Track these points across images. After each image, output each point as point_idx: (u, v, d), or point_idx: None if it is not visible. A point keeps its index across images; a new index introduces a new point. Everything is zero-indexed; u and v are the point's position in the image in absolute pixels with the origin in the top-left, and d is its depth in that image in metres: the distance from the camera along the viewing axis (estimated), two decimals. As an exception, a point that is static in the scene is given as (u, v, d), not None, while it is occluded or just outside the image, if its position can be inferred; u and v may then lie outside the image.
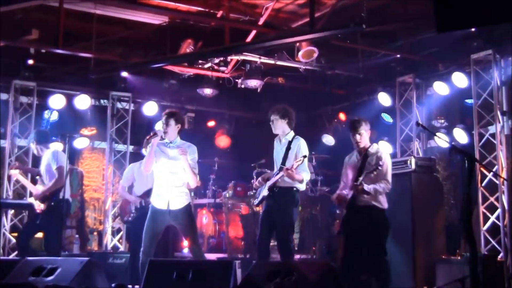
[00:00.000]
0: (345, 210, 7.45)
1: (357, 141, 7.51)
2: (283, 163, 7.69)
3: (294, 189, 7.72)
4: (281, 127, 7.83)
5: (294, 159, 7.64)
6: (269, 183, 7.77)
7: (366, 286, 8.32)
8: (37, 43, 10.33)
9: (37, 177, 8.93)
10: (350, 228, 7.45)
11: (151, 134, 7.51)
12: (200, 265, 6.31)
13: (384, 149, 7.57)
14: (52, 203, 8.51)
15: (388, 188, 7.31)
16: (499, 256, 8.87)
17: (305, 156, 7.55)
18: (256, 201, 8.23)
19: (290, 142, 7.78)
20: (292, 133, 7.87)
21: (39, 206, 8.51)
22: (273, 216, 7.69)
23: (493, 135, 9.52)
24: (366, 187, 7.08)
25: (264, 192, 7.84)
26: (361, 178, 7.09)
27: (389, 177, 7.34)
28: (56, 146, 10.54)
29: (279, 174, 7.64)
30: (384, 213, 7.40)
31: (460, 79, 10.07)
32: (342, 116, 12.85)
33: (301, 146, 7.75)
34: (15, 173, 9.06)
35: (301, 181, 7.70)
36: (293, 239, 8.14)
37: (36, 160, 9.23)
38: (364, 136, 7.49)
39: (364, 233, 7.34)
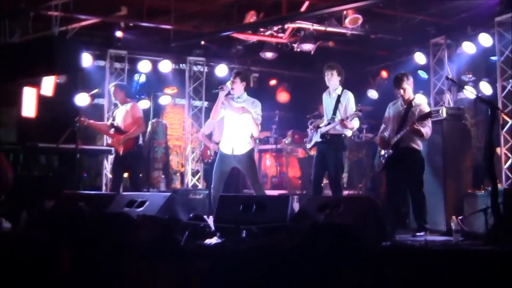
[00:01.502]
0: (390, 150, 7.42)
1: (401, 95, 7.48)
2: (334, 113, 7.69)
3: (343, 135, 7.77)
4: (335, 82, 7.82)
5: (343, 110, 7.66)
6: (322, 131, 7.79)
7: (404, 216, 8.35)
8: (126, 18, 10.41)
9: (112, 129, 9.07)
10: (393, 165, 7.44)
11: (219, 87, 7.58)
12: (262, 199, 6.39)
13: (425, 101, 7.51)
14: (135, 148, 8.68)
15: (430, 133, 7.34)
16: (518, 189, 8.76)
17: (360, 110, 7.61)
18: (309, 145, 8.26)
19: (339, 96, 7.78)
20: (340, 88, 7.85)
21: (120, 149, 8.68)
22: (326, 158, 7.75)
23: (514, 87, 9.31)
24: (422, 129, 7.10)
25: (317, 138, 7.87)
26: (415, 120, 7.11)
27: (430, 124, 7.36)
28: (144, 103, 10.76)
29: (332, 124, 7.65)
30: (421, 153, 7.44)
31: (485, 39, 9.83)
32: (384, 74, 12.63)
33: (350, 100, 7.79)
34: (82, 122, 8.94)
35: (352, 129, 7.75)
36: (342, 178, 8.17)
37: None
38: (407, 89, 7.45)
39: (404, 170, 7.37)
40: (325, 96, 8.05)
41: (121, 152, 8.69)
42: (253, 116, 7.44)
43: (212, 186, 7.53)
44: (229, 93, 7.63)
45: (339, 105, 7.75)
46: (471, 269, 4.71)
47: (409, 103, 7.40)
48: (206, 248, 5.24)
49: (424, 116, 7.09)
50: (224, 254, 5.12)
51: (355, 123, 7.78)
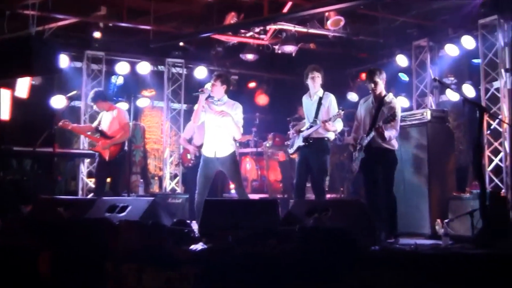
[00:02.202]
0: (363, 153, 7.14)
1: (372, 89, 7.17)
2: (316, 116, 7.56)
3: (326, 139, 7.61)
4: (318, 84, 7.67)
5: (325, 113, 7.51)
6: (304, 134, 7.63)
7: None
8: (105, 18, 10.26)
9: (96, 133, 8.87)
10: (368, 168, 7.19)
11: (199, 90, 7.45)
12: (248, 203, 6.28)
13: (397, 101, 7.25)
14: (121, 153, 8.54)
15: (396, 135, 7.08)
16: (502, 192, 8.76)
17: (342, 110, 7.43)
18: (291, 150, 8.06)
19: (321, 98, 7.63)
20: (321, 90, 7.70)
21: (105, 154, 8.53)
22: (309, 162, 7.58)
23: (497, 90, 9.33)
24: (386, 133, 6.81)
25: (299, 142, 7.71)
26: (381, 123, 6.81)
27: (398, 127, 7.11)
28: (122, 105, 10.59)
29: (314, 127, 7.51)
30: (394, 153, 7.18)
31: (468, 42, 9.86)
32: (364, 76, 12.63)
33: (332, 102, 7.62)
34: (66, 126, 8.82)
35: (334, 131, 7.60)
36: (325, 181, 8.03)
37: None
38: (379, 84, 7.13)
39: (378, 170, 7.11)
40: (305, 99, 7.87)
41: (106, 157, 8.53)
42: (233, 119, 7.33)
43: (196, 191, 7.35)
44: (209, 96, 7.50)
45: (321, 108, 7.57)
46: (464, 273, 4.64)
47: (380, 101, 7.14)
48: (192, 254, 5.10)
49: (387, 119, 6.81)
50: (211, 260, 4.99)
51: (338, 126, 7.60)
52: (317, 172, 7.53)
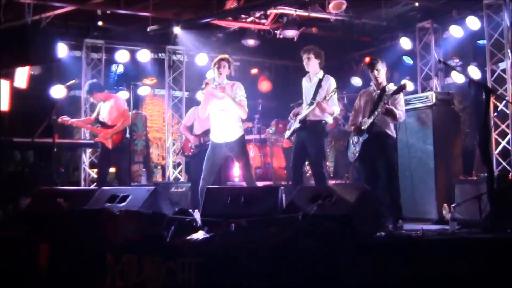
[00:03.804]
0: (362, 137, 7.02)
1: (375, 76, 7.07)
2: (314, 98, 7.41)
3: (323, 121, 7.45)
4: (313, 66, 7.51)
5: (324, 95, 7.37)
6: (300, 117, 7.51)
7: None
8: (103, 5, 10.14)
9: (97, 124, 8.78)
10: (369, 151, 7.04)
11: (203, 86, 7.32)
12: (250, 190, 6.18)
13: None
14: (123, 140, 8.45)
15: (403, 117, 7.02)
16: (510, 175, 8.63)
17: (337, 88, 7.31)
18: (287, 133, 7.94)
19: (321, 80, 7.48)
20: (322, 72, 7.55)
21: (108, 144, 8.45)
22: (306, 146, 7.45)
23: (503, 71, 9.15)
24: (395, 110, 6.73)
25: (296, 125, 7.59)
26: (387, 101, 6.71)
27: (404, 109, 7.05)
28: (123, 94, 10.52)
29: (310, 107, 7.37)
30: (393, 139, 7.11)
31: (473, 22, 9.71)
32: (368, 60, 12.49)
33: (332, 85, 7.44)
34: (65, 122, 8.79)
35: (331, 114, 7.43)
36: (326, 166, 7.87)
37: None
38: (381, 72, 7.07)
39: (378, 154, 6.98)
40: (305, 81, 7.72)
41: (110, 146, 8.46)
42: (234, 99, 7.22)
43: (202, 176, 7.23)
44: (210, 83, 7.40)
45: (319, 90, 7.41)
46: (472, 257, 4.55)
47: (382, 89, 7.03)
48: (193, 243, 5.02)
49: (397, 90, 6.74)
50: (213, 249, 4.91)
51: (336, 109, 7.44)
52: (315, 156, 7.38)
